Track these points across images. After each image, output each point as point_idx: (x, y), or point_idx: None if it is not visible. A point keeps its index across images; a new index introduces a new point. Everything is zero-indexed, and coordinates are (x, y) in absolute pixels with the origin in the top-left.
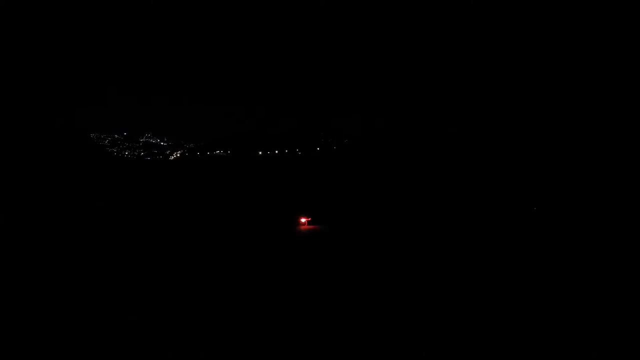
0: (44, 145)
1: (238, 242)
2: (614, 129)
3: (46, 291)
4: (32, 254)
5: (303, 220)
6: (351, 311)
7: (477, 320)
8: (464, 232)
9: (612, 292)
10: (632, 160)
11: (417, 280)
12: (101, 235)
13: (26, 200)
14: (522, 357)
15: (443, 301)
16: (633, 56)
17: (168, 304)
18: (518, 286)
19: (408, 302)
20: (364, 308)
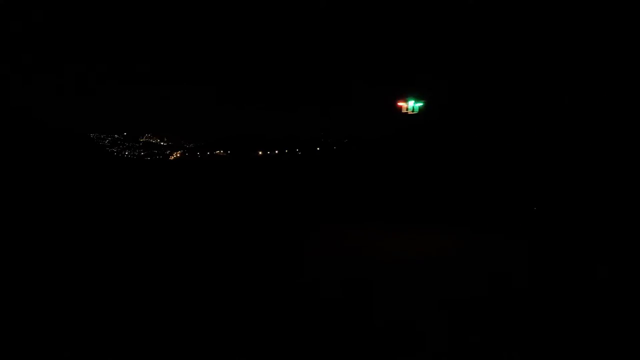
0: (44, 145)
1: (241, 243)
2: (614, 129)
3: (46, 291)
4: (32, 254)
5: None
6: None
7: (477, 320)
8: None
9: (612, 292)
10: (632, 160)
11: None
12: (101, 235)
13: (26, 201)
14: (521, 356)
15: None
16: (633, 56)
17: (168, 304)
18: (519, 286)
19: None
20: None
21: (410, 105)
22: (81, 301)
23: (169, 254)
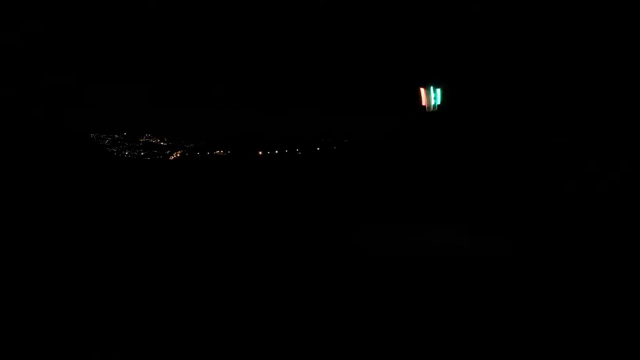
0: (44, 145)
1: (242, 244)
2: (615, 129)
3: (46, 292)
4: (32, 254)
5: None
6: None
7: (477, 321)
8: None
9: (612, 292)
10: (632, 160)
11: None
12: (101, 235)
13: (26, 201)
14: (521, 357)
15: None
16: (633, 56)
17: (169, 305)
18: (522, 286)
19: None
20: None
21: (432, 100)
22: (81, 302)
23: (171, 256)
